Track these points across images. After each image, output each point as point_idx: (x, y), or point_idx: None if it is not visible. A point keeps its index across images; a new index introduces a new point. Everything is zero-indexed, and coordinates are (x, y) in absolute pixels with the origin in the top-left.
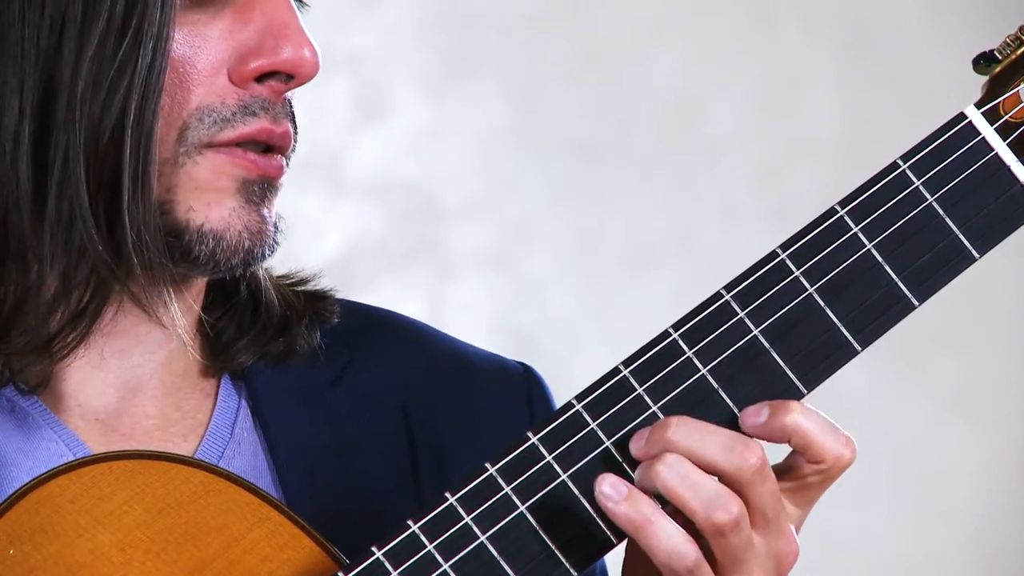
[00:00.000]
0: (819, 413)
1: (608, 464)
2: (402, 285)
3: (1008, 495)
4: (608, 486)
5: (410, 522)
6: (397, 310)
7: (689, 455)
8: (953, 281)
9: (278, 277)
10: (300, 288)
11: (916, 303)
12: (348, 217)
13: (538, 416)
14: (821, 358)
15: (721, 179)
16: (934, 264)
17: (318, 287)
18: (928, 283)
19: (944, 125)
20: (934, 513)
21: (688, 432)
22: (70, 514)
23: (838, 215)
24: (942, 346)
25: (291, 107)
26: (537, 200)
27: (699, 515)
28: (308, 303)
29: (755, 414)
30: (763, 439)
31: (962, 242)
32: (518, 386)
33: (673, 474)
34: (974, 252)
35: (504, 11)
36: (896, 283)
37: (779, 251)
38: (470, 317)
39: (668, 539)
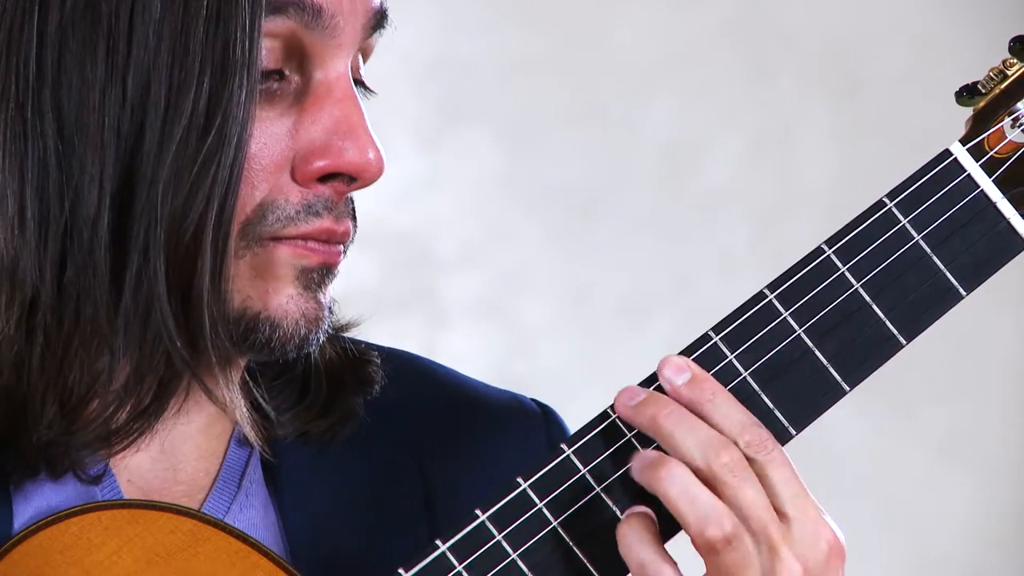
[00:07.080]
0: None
1: (596, 508)
2: (395, 334)
3: (1002, 543)
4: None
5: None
6: None
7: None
8: (947, 330)
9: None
10: (344, 342)
11: (904, 342)
12: (342, 266)
13: None
14: (810, 399)
15: (716, 228)
16: (921, 303)
17: (358, 337)
18: (915, 322)
19: (929, 162)
20: (927, 562)
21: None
22: (60, 565)
23: (825, 255)
24: (935, 395)
25: (352, 203)
26: (531, 249)
27: (692, 529)
28: (353, 371)
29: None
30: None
31: (949, 280)
32: (538, 428)
33: (675, 485)
34: (961, 290)
35: (498, 59)
36: (884, 322)
37: (767, 291)
38: (464, 366)
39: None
